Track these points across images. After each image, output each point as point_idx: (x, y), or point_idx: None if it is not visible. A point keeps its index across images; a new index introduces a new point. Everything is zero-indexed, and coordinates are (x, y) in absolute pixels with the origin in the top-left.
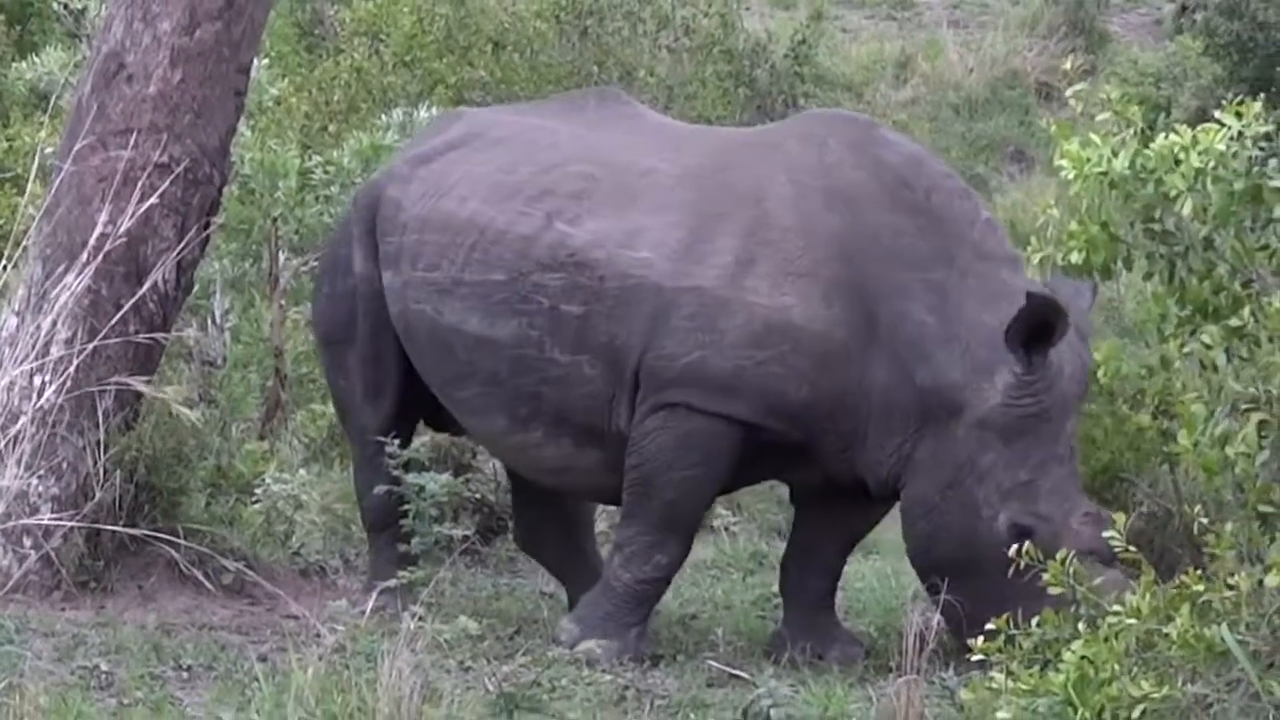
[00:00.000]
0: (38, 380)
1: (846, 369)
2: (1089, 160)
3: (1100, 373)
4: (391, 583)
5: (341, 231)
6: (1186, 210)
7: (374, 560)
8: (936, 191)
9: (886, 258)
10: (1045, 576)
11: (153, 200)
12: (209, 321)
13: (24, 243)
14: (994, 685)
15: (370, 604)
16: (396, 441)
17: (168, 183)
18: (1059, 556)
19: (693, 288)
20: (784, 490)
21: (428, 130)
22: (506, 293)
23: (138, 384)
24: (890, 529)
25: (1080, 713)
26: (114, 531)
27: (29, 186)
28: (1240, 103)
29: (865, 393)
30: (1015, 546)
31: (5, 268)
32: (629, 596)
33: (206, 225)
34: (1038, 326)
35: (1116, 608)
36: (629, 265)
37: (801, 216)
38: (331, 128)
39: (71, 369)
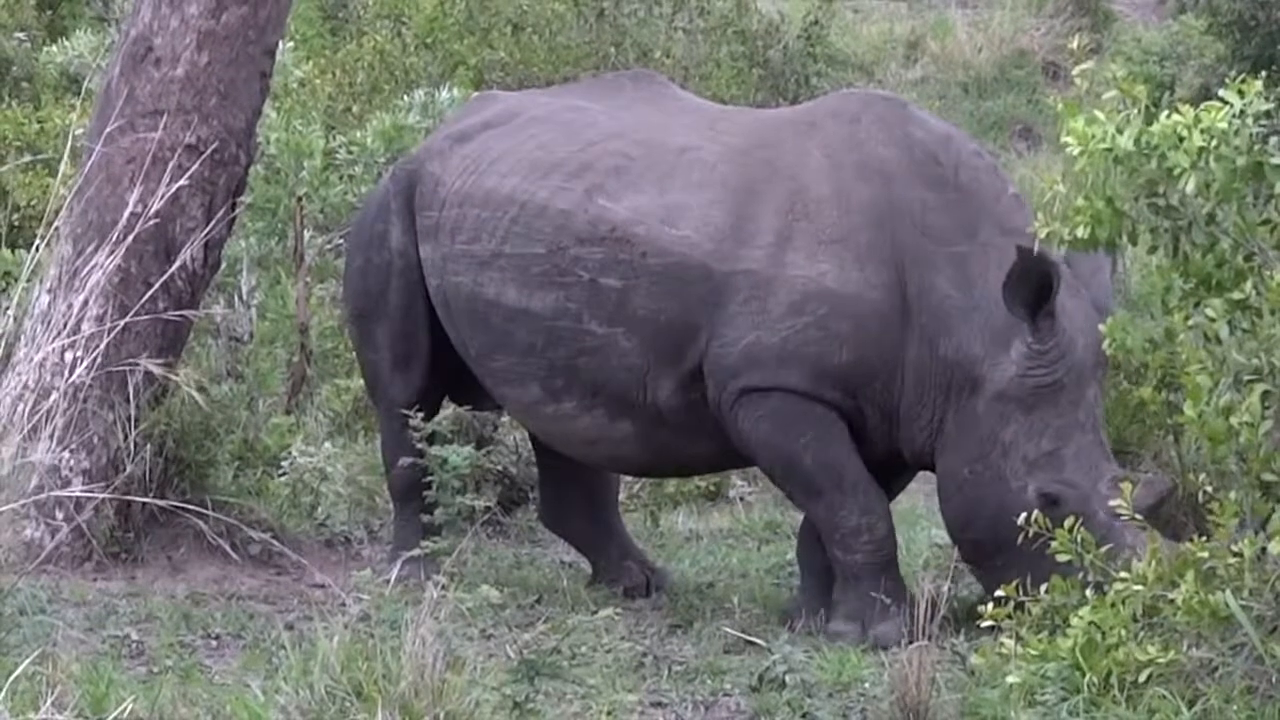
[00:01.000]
0: (69, 356)
1: (883, 333)
2: (1094, 137)
3: (1106, 345)
4: (416, 552)
5: (377, 207)
6: (1190, 186)
7: (399, 530)
8: (964, 168)
9: (915, 230)
10: (1054, 544)
11: (182, 181)
12: (236, 298)
13: (55, 222)
14: (1004, 650)
15: (395, 573)
16: (421, 415)
17: (196, 163)
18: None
19: (744, 271)
20: None
21: (464, 110)
22: (545, 265)
23: (161, 365)
24: (900, 498)
25: (1087, 677)
26: (144, 503)
27: (61, 168)
28: (1242, 81)
29: (900, 361)
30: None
31: (38, 247)
32: (873, 571)
33: (233, 204)
34: (1034, 284)
35: (1123, 574)
36: (670, 242)
37: (835, 187)
38: (355, 108)
39: (102, 346)
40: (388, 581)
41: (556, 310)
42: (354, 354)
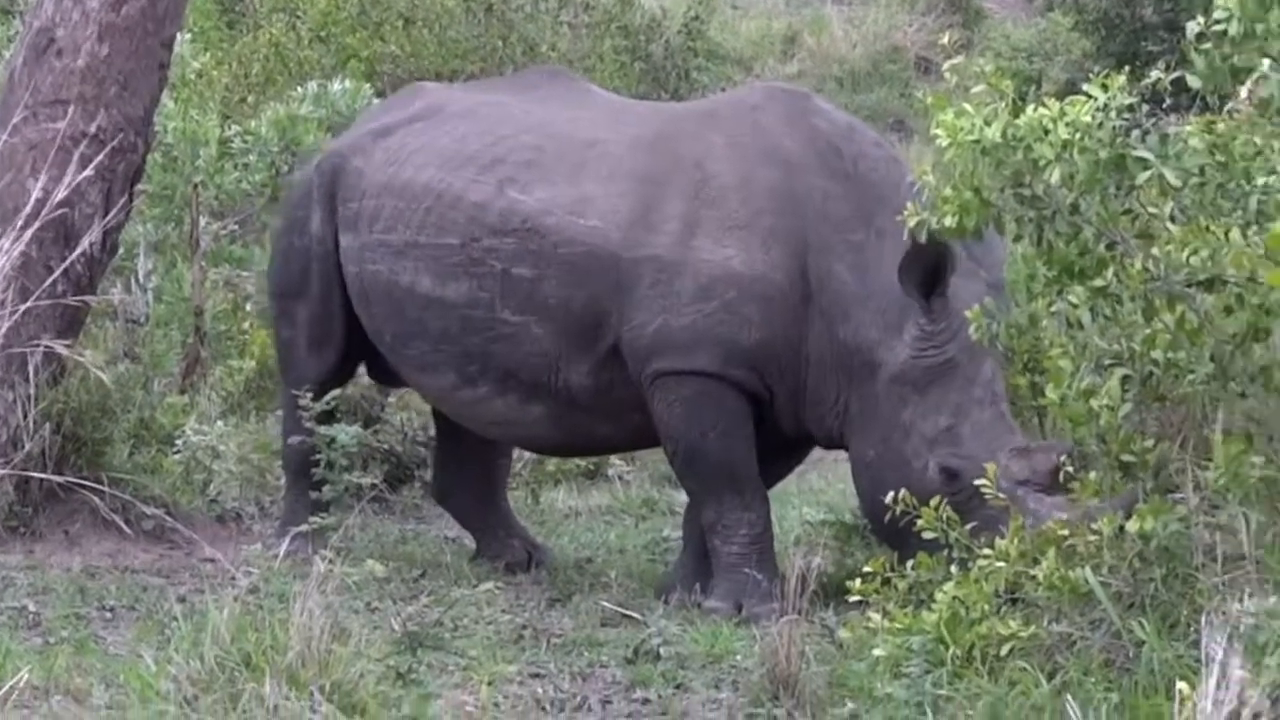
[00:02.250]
0: None
1: (786, 315)
2: (963, 130)
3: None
4: (304, 528)
5: (300, 194)
6: (1054, 177)
7: (290, 505)
8: (863, 158)
9: (817, 218)
10: (919, 521)
11: (85, 172)
12: (133, 282)
13: None
14: (871, 624)
15: (283, 548)
16: (310, 394)
17: (96, 152)
18: (933, 504)
19: (650, 257)
20: None
21: (389, 104)
22: (459, 256)
23: (60, 348)
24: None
25: (951, 650)
26: (42, 480)
27: None
28: (1106, 76)
29: (804, 343)
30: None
31: None
32: (748, 562)
33: (131, 192)
34: (928, 267)
35: (986, 551)
36: (579, 232)
37: (739, 174)
38: (250, 99)
39: (3, 328)
40: (276, 556)
41: (470, 299)
42: (247, 336)
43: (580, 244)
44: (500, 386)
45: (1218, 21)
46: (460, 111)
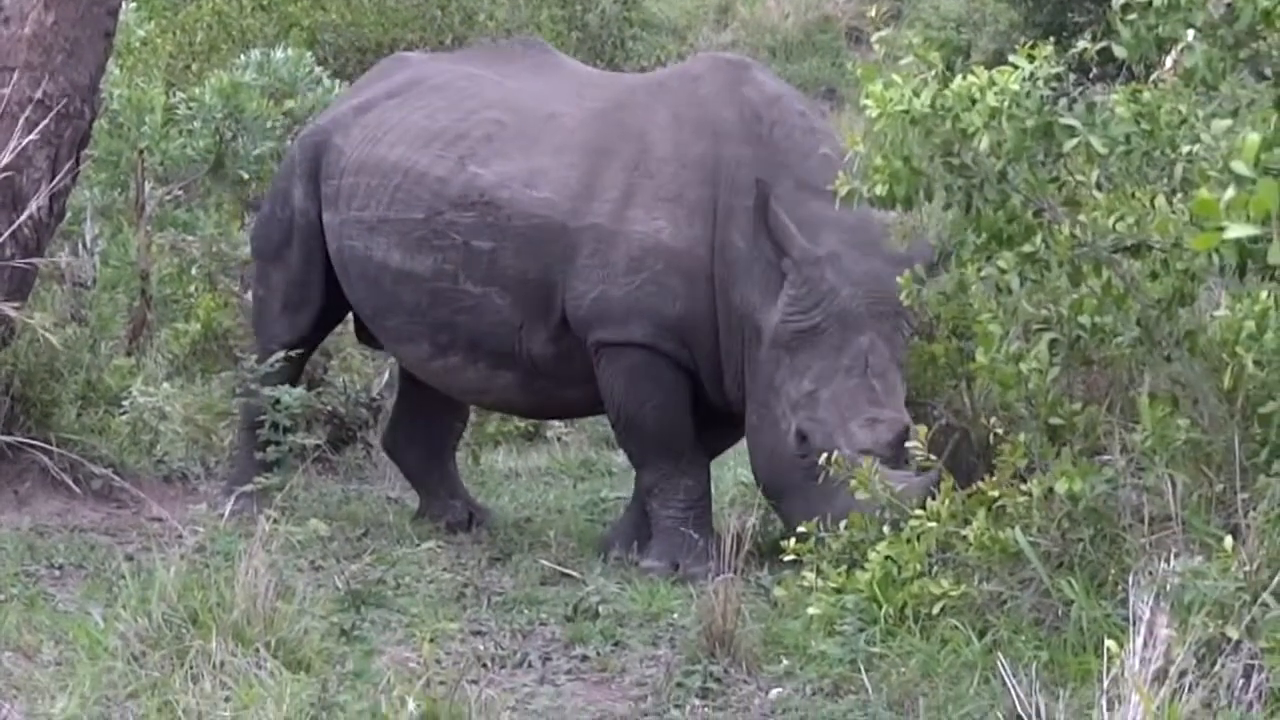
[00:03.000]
0: None
1: (708, 286)
2: (892, 100)
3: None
4: (249, 487)
5: (286, 166)
6: (983, 145)
7: (236, 459)
8: (780, 125)
9: (728, 186)
10: (851, 483)
11: (32, 137)
12: (80, 246)
13: None
14: (805, 583)
15: (229, 508)
16: (254, 359)
17: (43, 118)
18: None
19: (590, 225)
20: None
21: (372, 75)
22: (424, 230)
23: (8, 309)
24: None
25: (884, 609)
26: None
27: None
28: (1033, 46)
29: (722, 314)
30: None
31: None
32: (685, 524)
33: (78, 157)
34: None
35: (918, 512)
36: (532, 204)
37: (675, 145)
38: (194, 66)
39: None
40: (222, 515)
41: (436, 272)
42: (193, 299)
43: (533, 215)
44: (470, 356)
45: None
46: (436, 85)
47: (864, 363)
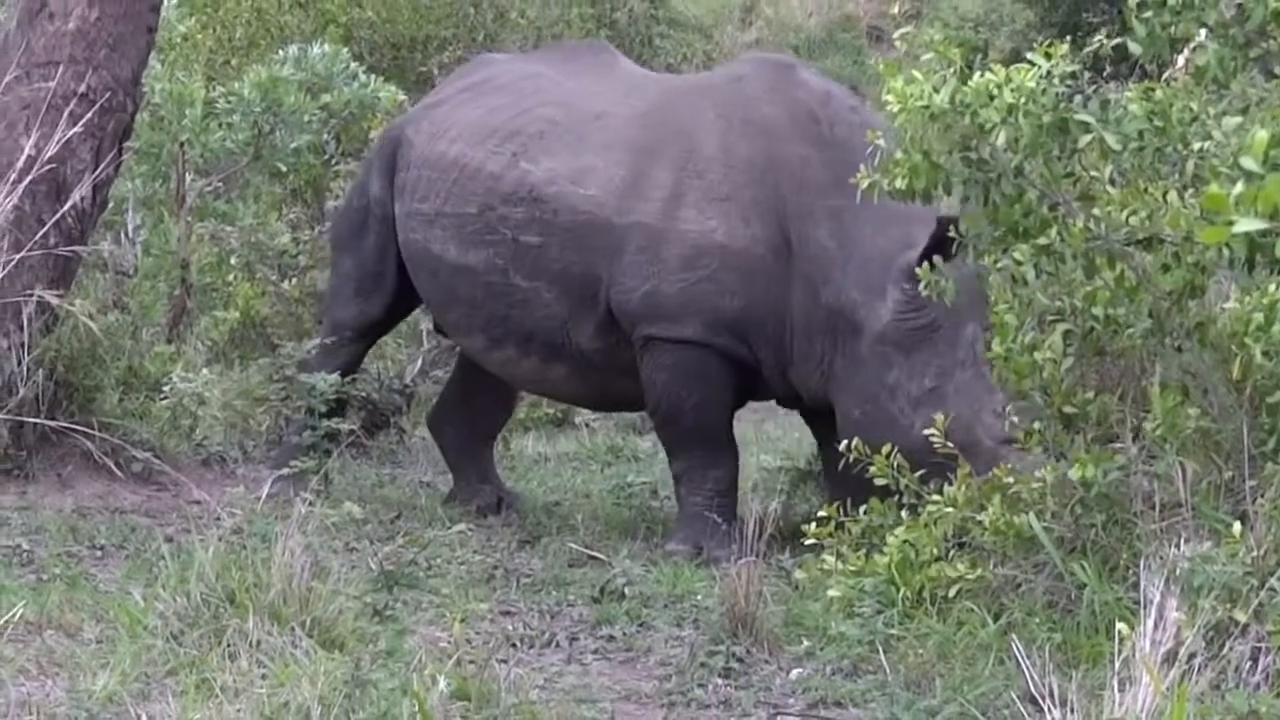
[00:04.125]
0: None
1: (768, 283)
2: (913, 96)
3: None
4: (286, 471)
5: (369, 159)
6: (1000, 141)
7: (290, 441)
8: (839, 124)
9: (796, 184)
10: (872, 469)
11: (75, 129)
12: (122, 235)
13: None
14: (825, 566)
15: (266, 490)
16: (291, 345)
17: (86, 110)
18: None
19: (637, 223)
20: None
21: (454, 75)
22: (478, 224)
23: (52, 296)
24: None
25: (902, 591)
26: (35, 424)
27: None
28: (1049, 45)
29: (787, 308)
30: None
31: None
32: (710, 509)
33: (120, 149)
34: (936, 238)
35: (935, 497)
36: (579, 201)
37: (723, 146)
38: (233, 61)
39: None
40: (259, 498)
41: (488, 266)
42: (231, 288)
43: (580, 212)
44: (524, 348)
45: None
46: (500, 84)
47: (974, 353)
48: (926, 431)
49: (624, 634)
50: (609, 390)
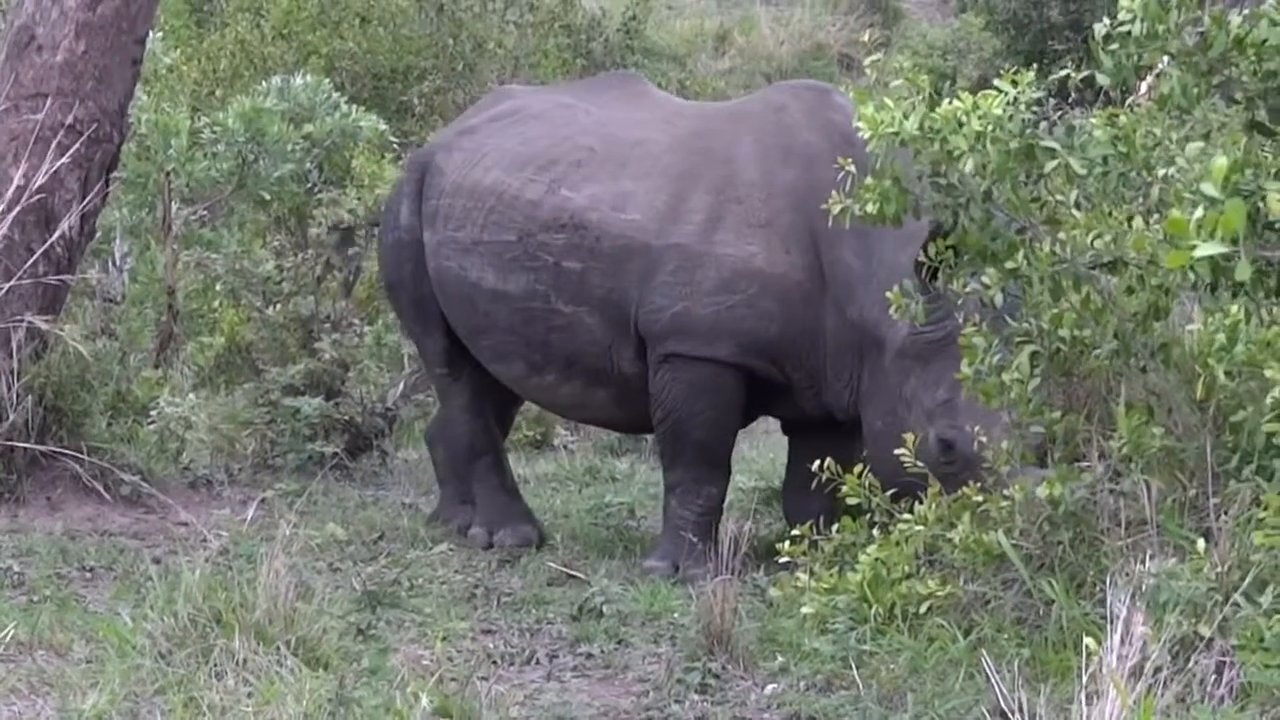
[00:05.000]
0: None
1: (805, 308)
2: (883, 122)
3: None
4: (270, 494)
5: (395, 190)
6: (968, 167)
7: (479, 494)
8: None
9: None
10: (843, 489)
11: (63, 160)
12: (110, 263)
13: None
14: (799, 584)
15: (250, 513)
16: (275, 370)
17: (74, 142)
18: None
19: (674, 245)
20: None
21: (479, 105)
22: (517, 251)
23: (41, 322)
24: None
25: (874, 608)
26: (25, 449)
27: None
28: (1016, 73)
29: (821, 331)
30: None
31: None
32: (694, 528)
33: (107, 179)
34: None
35: (906, 515)
36: (620, 226)
37: (763, 172)
38: (218, 92)
39: None
40: (244, 520)
41: (528, 292)
42: (217, 314)
43: (620, 237)
44: (565, 374)
45: (1123, 23)
46: (533, 114)
47: None
48: (939, 439)
49: (602, 651)
50: (649, 413)
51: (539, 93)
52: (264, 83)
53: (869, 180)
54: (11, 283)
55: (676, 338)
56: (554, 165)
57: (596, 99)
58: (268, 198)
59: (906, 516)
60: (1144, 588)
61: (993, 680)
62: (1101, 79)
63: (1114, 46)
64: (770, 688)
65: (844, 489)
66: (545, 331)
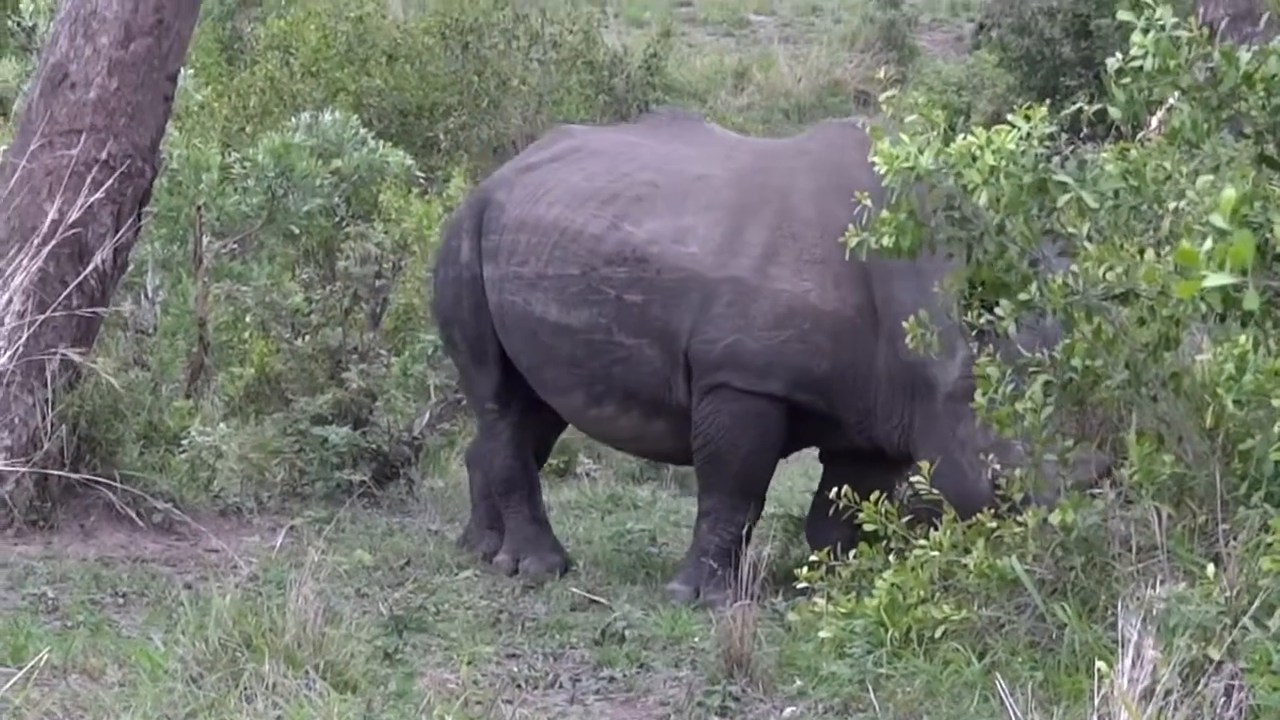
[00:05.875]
0: None
1: (856, 345)
2: (899, 157)
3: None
4: (299, 521)
5: (454, 226)
6: (982, 200)
7: (509, 523)
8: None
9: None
10: (861, 515)
11: (97, 195)
12: (142, 296)
13: None
14: (817, 609)
15: (279, 540)
16: (304, 400)
17: (107, 177)
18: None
19: (730, 278)
20: None
21: (538, 143)
22: (580, 285)
23: (75, 354)
24: None
25: (890, 632)
26: (60, 477)
27: None
28: (1029, 108)
29: (873, 368)
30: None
31: None
32: (720, 555)
33: (140, 213)
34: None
35: (921, 541)
36: (679, 259)
37: (819, 210)
38: (248, 128)
39: (24, 338)
40: (274, 547)
41: (591, 325)
42: (246, 345)
43: (681, 270)
44: (624, 405)
45: (1135, 58)
46: (598, 150)
47: None
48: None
49: (624, 675)
50: None
51: (599, 130)
52: (293, 119)
53: (885, 214)
54: (46, 315)
55: (729, 369)
56: (616, 200)
57: (657, 135)
58: (297, 231)
59: (922, 543)
60: (1154, 612)
61: (1007, 703)
62: (1113, 113)
63: (1126, 81)
64: (789, 710)
65: (861, 516)
66: (607, 364)
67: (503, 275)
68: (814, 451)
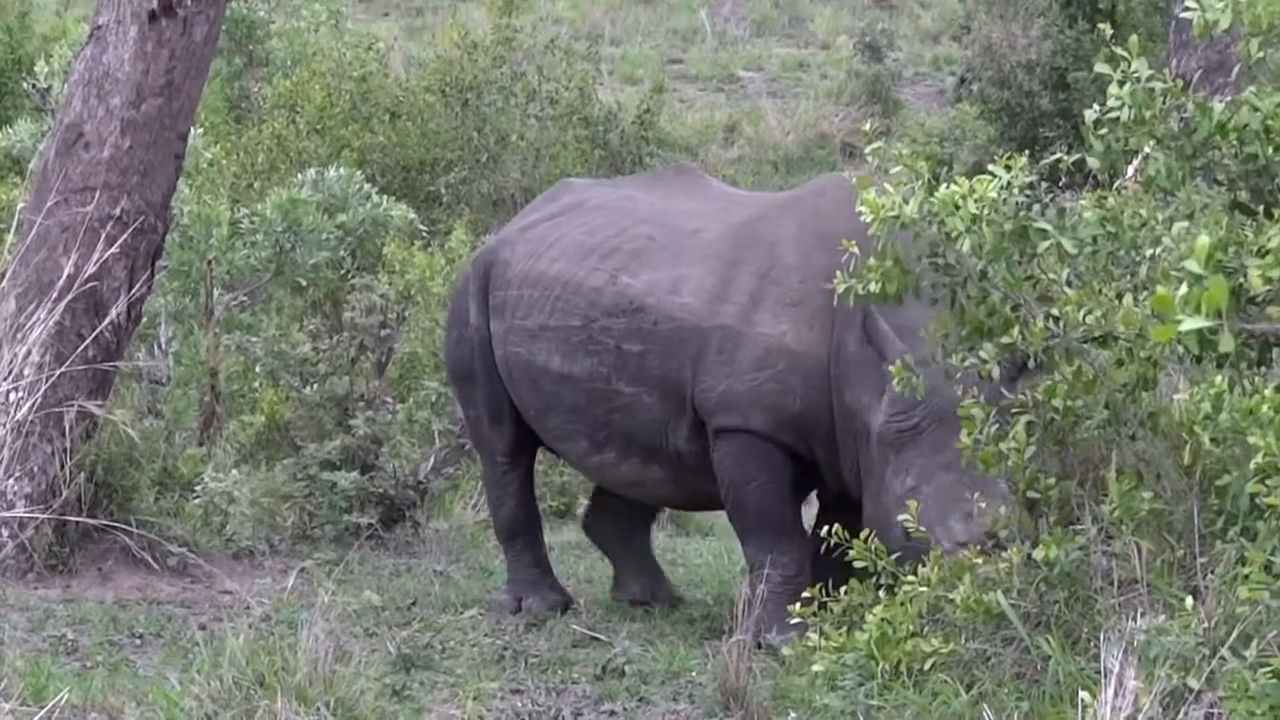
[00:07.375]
0: (14, 398)
1: (825, 385)
2: (884, 206)
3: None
4: (309, 563)
5: (462, 288)
6: (965, 247)
7: (511, 566)
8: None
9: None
10: (851, 552)
11: (112, 250)
12: (155, 347)
13: (1, 284)
14: (810, 643)
15: (290, 581)
16: (313, 446)
17: (121, 233)
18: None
19: (720, 325)
20: None
21: (539, 200)
22: (581, 336)
23: (92, 406)
24: (723, 515)
25: (881, 665)
26: (78, 523)
27: (8, 238)
28: (1009, 158)
29: (837, 411)
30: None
31: None
32: (786, 594)
33: (153, 268)
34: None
35: (910, 577)
36: (675, 309)
37: (801, 255)
38: (256, 185)
39: (42, 389)
40: (285, 588)
41: (592, 374)
42: (257, 394)
43: (676, 319)
44: (624, 451)
45: (1111, 109)
46: (599, 205)
47: (959, 456)
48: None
49: (625, 709)
50: (700, 490)
51: (600, 184)
52: (299, 175)
53: (871, 261)
54: (63, 368)
55: (723, 413)
56: (615, 254)
57: (656, 190)
58: (304, 284)
59: (911, 578)
60: (1135, 643)
61: None
62: (1091, 163)
63: (1103, 132)
64: None
65: (851, 553)
66: (607, 411)
67: (508, 329)
68: None
